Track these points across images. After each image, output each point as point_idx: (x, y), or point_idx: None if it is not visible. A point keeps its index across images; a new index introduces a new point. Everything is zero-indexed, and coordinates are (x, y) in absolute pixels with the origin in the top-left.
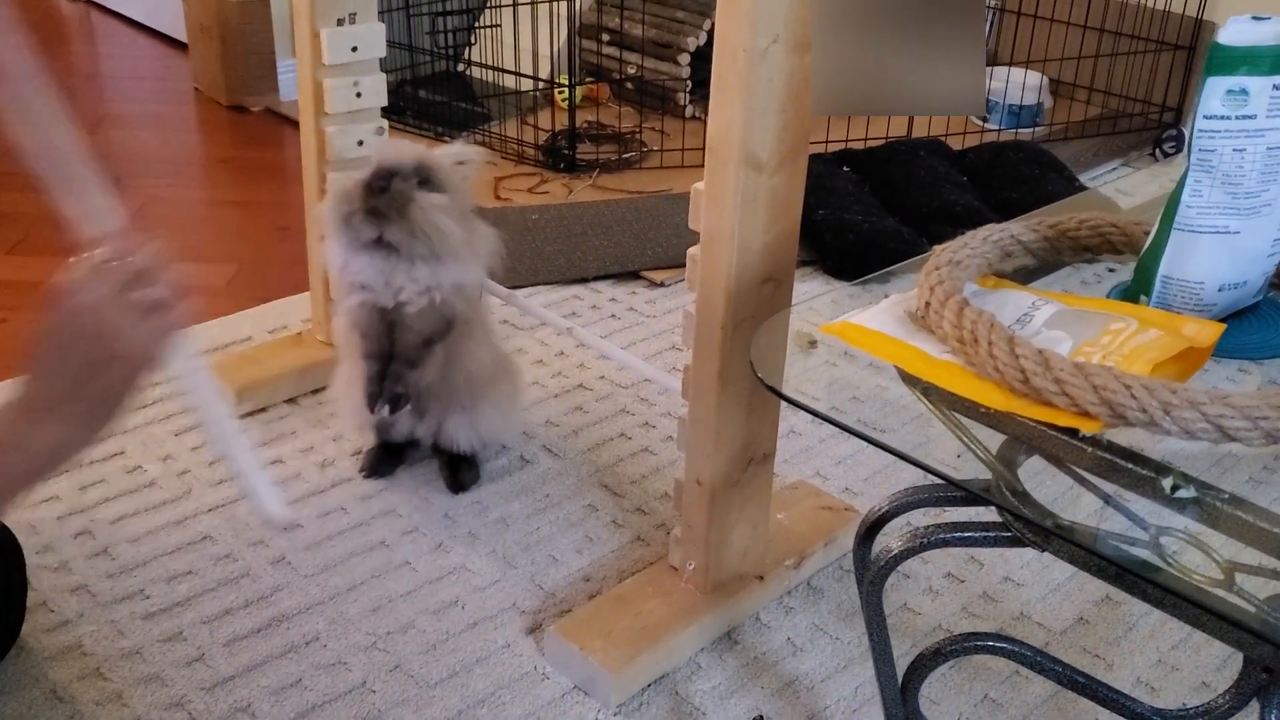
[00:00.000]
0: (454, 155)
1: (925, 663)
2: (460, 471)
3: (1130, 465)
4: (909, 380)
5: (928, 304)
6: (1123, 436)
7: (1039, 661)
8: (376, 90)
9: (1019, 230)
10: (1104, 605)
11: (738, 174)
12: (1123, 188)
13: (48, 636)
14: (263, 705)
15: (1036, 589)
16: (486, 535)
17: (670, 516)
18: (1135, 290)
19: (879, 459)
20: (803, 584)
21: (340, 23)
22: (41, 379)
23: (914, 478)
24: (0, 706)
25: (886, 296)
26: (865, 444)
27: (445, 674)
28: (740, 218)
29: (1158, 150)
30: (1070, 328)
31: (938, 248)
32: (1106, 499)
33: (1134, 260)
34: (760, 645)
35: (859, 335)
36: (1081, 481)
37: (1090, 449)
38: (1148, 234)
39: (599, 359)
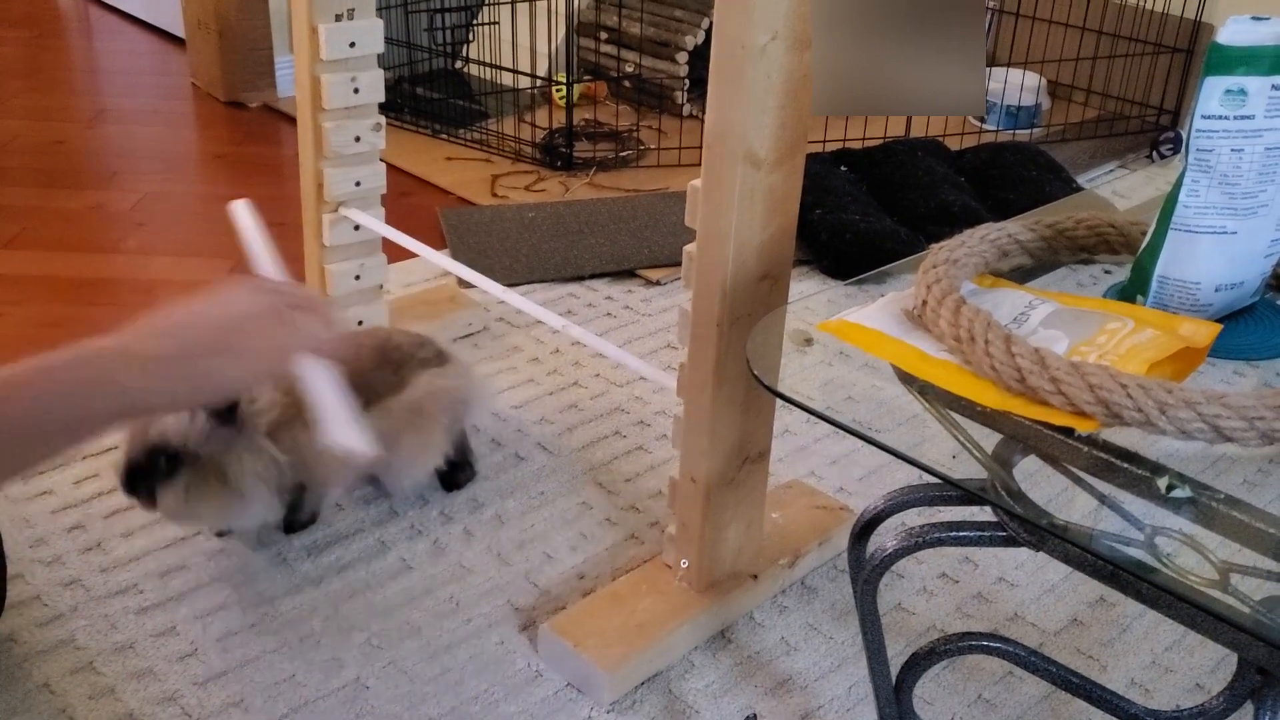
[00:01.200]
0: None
1: (919, 662)
2: (454, 471)
3: (1126, 465)
4: (905, 379)
5: (925, 302)
6: (1119, 437)
7: (1033, 662)
8: (374, 86)
9: (1016, 229)
10: (1098, 607)
11: (735, 171)
12: (1119, 189)
13: (40, 630)
14: (256, 700)
15: (1030, 590)
16: (481, 532)
17: (664, 514)
18: (1132, 290)
19: (873, 459)
20: (797, 583)
21: (338, 18)
22: (153, 336)
23: (908, 478)
24: None
25: (883, 296)
26: (859, 444)
27: (439, 671)
28: (737, 215)
29: (1155, 153)
30: (1067, 327)
31: (935, 246)
32: (1102, 499)
33: (1130, 261)
34: (754, 644)
35: (856, 333)
36: (1077, 481)
37: (1086, 448)
38: (1145, 234)
39: (594, 357)
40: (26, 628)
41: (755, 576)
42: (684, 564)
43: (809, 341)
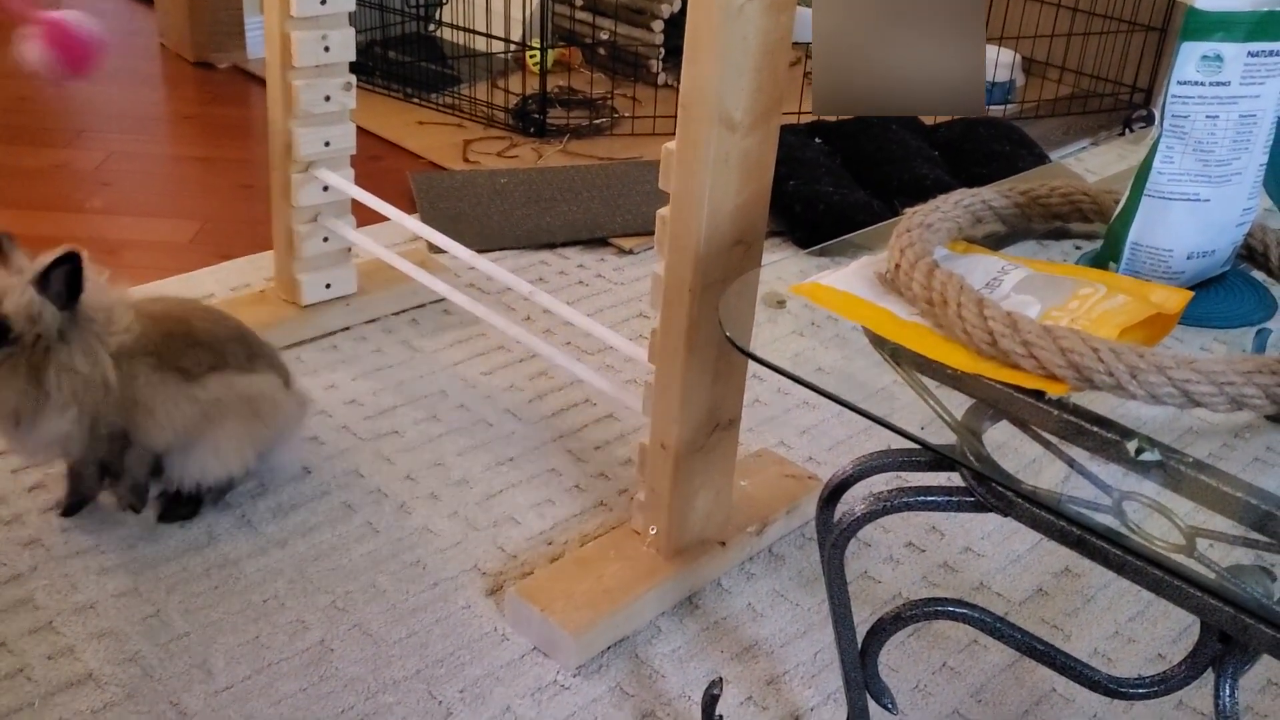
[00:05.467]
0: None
1: (886, 627)
2: (176, 505)
3: (1095, 429)
4: (876, 342)
5: (897, 266)
6: (1089, 402)
7: (999, 628)
8: (345, 45)
9: (990, 196)
10: (1063, 577)
11: (710, 133)
12: (1091, 166)
13: None
14: (219, 662)
15: (996, 560)
16: (449, 497)
17: (633, 482)
18: (1104, 257)
19: (842, 429)
20: (764, 550)
21: None
22: None
23: (877, 449)
24: None
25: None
26: (829, 414)
27: (405, 634)
28: (712, 178)
29: (1126, 130)
30: (1039, 292)
31: (909, 211)
32: (1071, 463)
33: (1101, 233)
34: (721, 610)
35: (828, 296)
36: (1046, 446)
37: (1056, 412)
38: (1118, 202)
39: (565, 325)
40: None
41: (723, 543)
42: (652, 530)
43: (782, 303)
